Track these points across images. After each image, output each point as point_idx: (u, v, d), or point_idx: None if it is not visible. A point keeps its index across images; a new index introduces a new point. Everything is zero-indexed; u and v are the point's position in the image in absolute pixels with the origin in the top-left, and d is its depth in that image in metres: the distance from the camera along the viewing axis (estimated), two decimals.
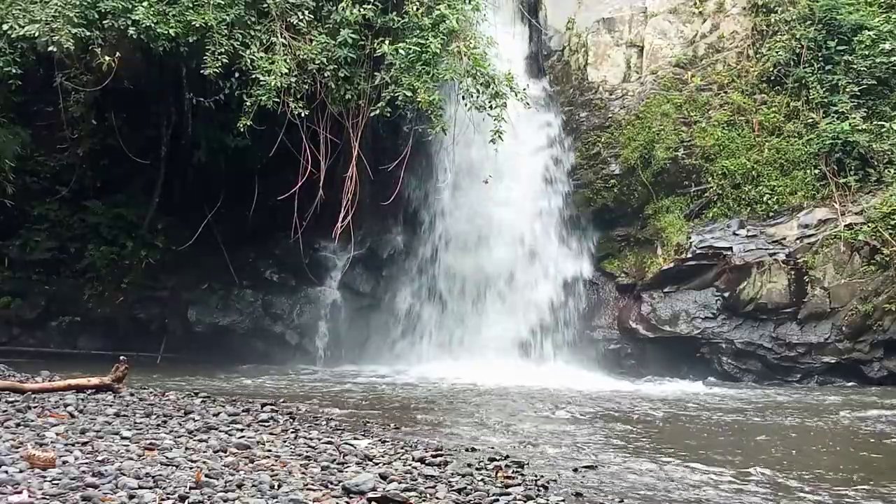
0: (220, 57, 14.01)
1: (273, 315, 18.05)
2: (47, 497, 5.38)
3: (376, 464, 7.25)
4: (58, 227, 17.61)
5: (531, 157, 17.44)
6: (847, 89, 16.33)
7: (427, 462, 7.46)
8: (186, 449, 7.22)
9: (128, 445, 7.19)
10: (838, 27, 16.81)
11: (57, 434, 7.49)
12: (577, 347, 16.85)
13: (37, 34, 13.25)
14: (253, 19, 14.63)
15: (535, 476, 7.28)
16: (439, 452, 7.95)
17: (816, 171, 16.23)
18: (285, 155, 15.42)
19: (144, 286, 17.81)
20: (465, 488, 6.52)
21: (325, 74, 14.66)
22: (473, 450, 8.46)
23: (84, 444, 7.15)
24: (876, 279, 15.30)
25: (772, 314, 15.74)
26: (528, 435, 9.89)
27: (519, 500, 6.33)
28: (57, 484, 5.67)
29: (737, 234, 16.13)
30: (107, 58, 13.73)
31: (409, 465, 7.30)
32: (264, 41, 14.54)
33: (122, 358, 10.68)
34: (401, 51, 14.21)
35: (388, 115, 14.61)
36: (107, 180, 17.81)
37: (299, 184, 15.33)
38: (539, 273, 17.21)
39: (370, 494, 5.99)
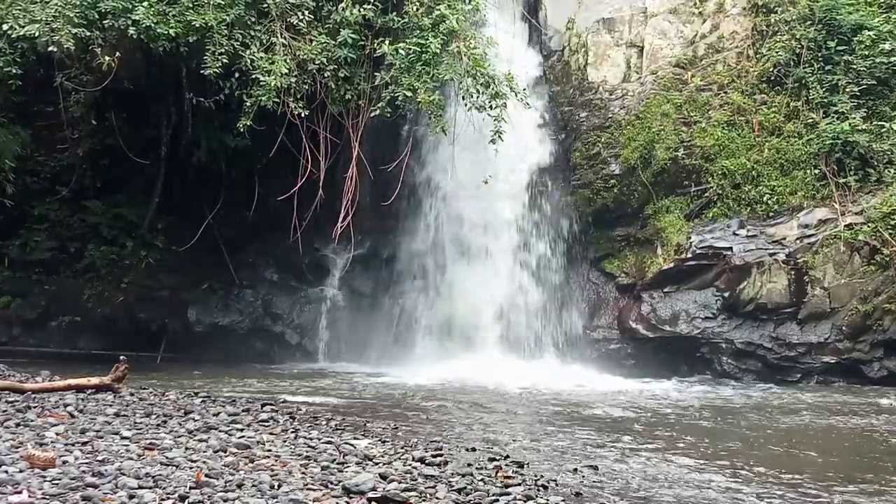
0: (220, 57, 14.01)
1: (273, 315, 18.05)
2: (47, 497, 5.39)
3: (376, 464, 7.25)
4: (58, 227, 17.61)
5: None
6: (847, 89, 16.33)
7: (427, 462, 7.46)
8: (186, 449, 7.23)
9: (128, 445, 7.20)
10: (838, 27, 16.80)
11: (57, 434, 7.50)
12: (577, 347, 16.85)
13: (37, 34, 13.24)
14: (253, 19, 14.63)
15: (535, 476, 7.28)
16: (439, 452, 7.96)
17: (816, 171, 16.23)
18: (285, 155, 15.43)
19: (144, 286, 17.81)
20: (465, 488, 6.52)
21: (325, 74, 14.67)
22: (473, 450, 8.46)
23: (84, 444, 7.16)
24: (876, 279, 15.29)
25: (772, 314, 15.74)
26: (528, 434, 9.90)
27: (519, 500, 6.33)
28: (57, 484, 5.68)
29: (737, 234, 16.13)
30: (107, 58, 13.73)
31: (409, 464, 7.31)
32: (264, 41, 14.54)
33: (122, 358, 10.69)
34: (401, 51, 14.21)
35: (388, 115, 14.61)
36: (107, 180, 17.80)
37: (299, 184, 15.34)
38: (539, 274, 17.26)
39: (370, 494, 5.99)
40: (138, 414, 8.99)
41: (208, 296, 18.08)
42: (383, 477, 6.57)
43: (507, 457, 8.04)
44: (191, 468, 6.39)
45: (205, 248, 17.38)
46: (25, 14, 13.44)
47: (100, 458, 6.61)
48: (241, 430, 8.46)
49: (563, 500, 6.52)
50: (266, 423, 9.04)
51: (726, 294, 15.91)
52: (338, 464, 7.09)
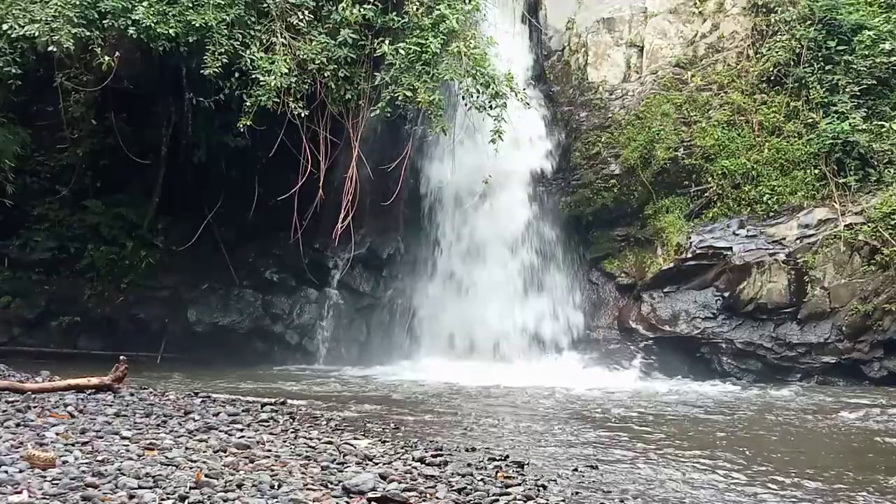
0: (220, 57, 14.01)
1: (273, 315, 18.04)
2: (47, 497, 5.39)
3: (376, 464, 7.25)
4: (58, 227, 17.59)
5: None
6: (847, 89, 16.32)
7: (427, 462, 7.46)
8: (186, 449, 7.23)
9: (128, 445, 7.20)
10: (838, 27, 16.79)
11: (57, 434, 7.50)
12: (578, 347, 16.85)
13: (37, 34, 13.23)
14: (253, 19, 14.63)
15: (535, 476, 7.28)
16: (439, 452, 7.96)
17: (816, 171, 16.22)
18: (285, 155, 15.42)
19: (144, 286, 17.79)
20: (465, 488, 6.52)
21: (325, 74, 14.66)
22: (473, 450, 8.46)
23: (84, 444, 7.15)
24: (876, 279, 15.29)
25: (772, 314, 15.73)
26: (528, 434, 9.90)
27: (519, 500, 6.33)
28: (57, 484, 5.68)
29: (737, 234, 16.12)
30: (107, 58, 13.73)
31: (409, 464, 7.31)
32: (264, 41, 14.54)
33: (121, 358, 10.69)
34: (401, 51, 14.21)
35: (388, 115, 14.61)
36: (107, 180, 17.78)
37: (299, 184, 15.34)
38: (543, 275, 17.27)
39: (370, 494, 5.99)
40: (138, 414, 8.99)
41: (208, 296, 18.07)
42: (383, 477, 6.57)
43: (507, 457, 8.04)
44: (191, 468, 6.39)
45: (205, 248, 17.38)
46: (25, 14, 13.42)
47: (100, 458, 6.61)
48: (241, 430, 8.47)
49: (563, 500, 6.52)
50: (266, 423, 9.04)
51: (726, 294, 15.91)
52: (338, 464, 7.09)
